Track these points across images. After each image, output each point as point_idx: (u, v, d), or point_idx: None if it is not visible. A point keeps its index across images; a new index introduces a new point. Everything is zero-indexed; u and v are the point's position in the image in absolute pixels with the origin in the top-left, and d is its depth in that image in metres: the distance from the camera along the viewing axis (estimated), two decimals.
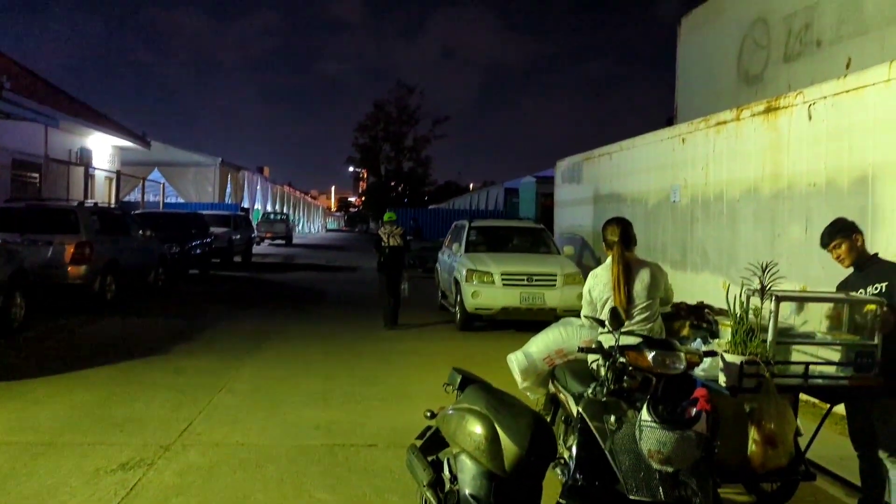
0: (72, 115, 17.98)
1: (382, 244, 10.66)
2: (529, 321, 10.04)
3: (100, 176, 20.95)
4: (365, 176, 72.92)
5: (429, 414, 3.51)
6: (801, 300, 3.99)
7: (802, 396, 4.10)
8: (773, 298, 3.49)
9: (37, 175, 16.84)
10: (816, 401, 4.73)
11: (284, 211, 47.05)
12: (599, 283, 4.22)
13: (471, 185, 73.90)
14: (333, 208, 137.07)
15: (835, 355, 3.63)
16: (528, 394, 4.75)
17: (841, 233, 3.96)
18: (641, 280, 4.14)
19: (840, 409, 4.10)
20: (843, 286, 4.08)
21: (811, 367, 3.56)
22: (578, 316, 4.73)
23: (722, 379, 3.41)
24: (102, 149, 21.21)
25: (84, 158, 19.49)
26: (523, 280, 10.21)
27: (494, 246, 11.89)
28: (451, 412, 3.26)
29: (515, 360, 4.66)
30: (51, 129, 16.13)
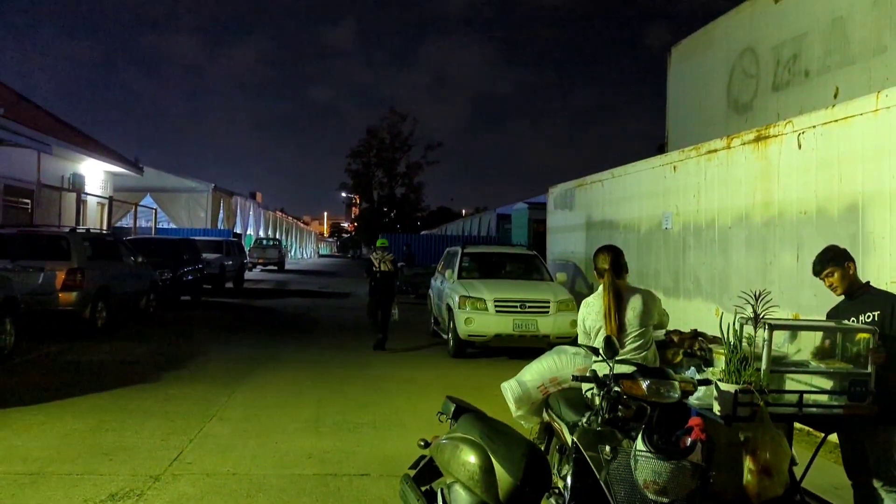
0: (65, 141, 17.99)
1: (374, 269, 11.10)
2: (523, 348, 10.04)
3: (92, 202, 20.93)
4: (358, 202, 73.17)
5: (422, 443, 3.49)
6: (794, 328, 4.01)
7: (797, 425, 4.09)
8: (767, 327, 3.50)
9: (29, 201, 16.81)
10: (811, 429, 4.72)
11: (277, 236, 47.05)
12: (592, 312, 4.22)
13: (463, 211, 74.25)
14: (326, 234, 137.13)
15: (828, 384, 3.63)
16: (523, 422, 4.72)
17: (833, 261, 3.99)
18: (633, 308, 4.14)
19: (835, 437, 4.09)
20: (834, 313, 4.10)
21: (805, 395, 3.56)
22: (572, 343, 4.73)
23: (716, 408, 3.40)
24: (95, 174, 21.22)
25: (76, 184, 19.49)
26: (516, 307, 10.20)
27: (487, 272, 11.90)
28: (444, 441, 3.24)
29: (509, 388, 4.63)
30: (44, 156, 16.14)
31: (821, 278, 4.06)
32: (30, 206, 16.83)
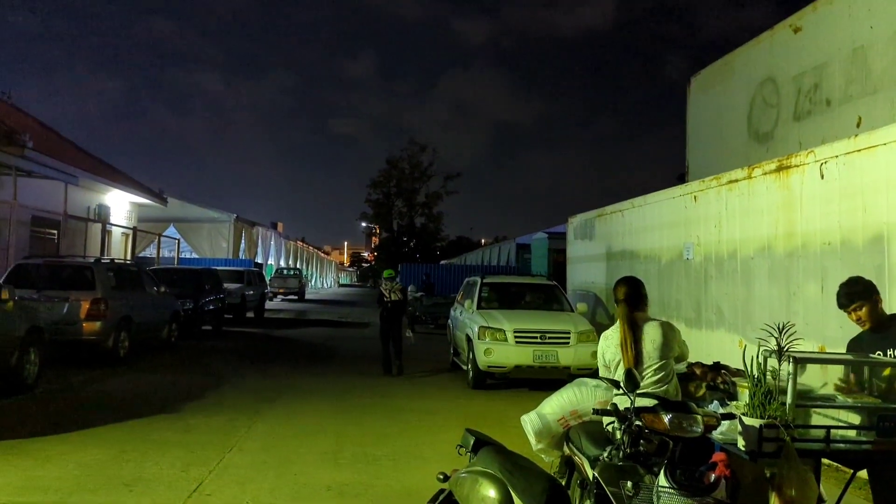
0: (91, 173, 18.34)
1: (385, 299, 11.83)
2: (543, 379, 9.95)
3: (117, 232, 21.25)
4: (378, 231, 73.55)
5: (441, 476, 3.46)
6: (819, 362, 3.93)
7: (825, 461, 4.00)
8: (791, 360, 3.44)
9: (55, 232, 17.09)
10: (839, 465, 4.61)
11: (297, 266, 47.32)
12: (611, 345, 4.18)
13: (482, 241, 74.22)
14: (346, 263, 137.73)
15: (857, 419, 3.54)
16: (543, 456, 4.66)
17: (861, 295, 3.93)
18: (652, 340, 4.09)
19: (864, 473, 3.99)
20: (856, 345, 4.02)
21: (833, 430, 3.48)
22: (592, 375, 4.68)
23: (741, 443, 3.34)
24: (120, 205, 21.58)
25: (102, 215, 19.83)
26: (536, 338, 10.14)
27: (507, 302, 11.86)
28: (464, 475, 3.21)
29: (529, 421, 4.59)
30: (70, 187, 16.44)
31: (847, 312, 3.99)
32: (56, 237, 17.12)
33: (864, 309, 3.90)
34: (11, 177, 14.27)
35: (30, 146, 14.78)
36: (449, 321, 13.69)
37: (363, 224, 74.14)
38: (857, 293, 3.94)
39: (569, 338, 10.15)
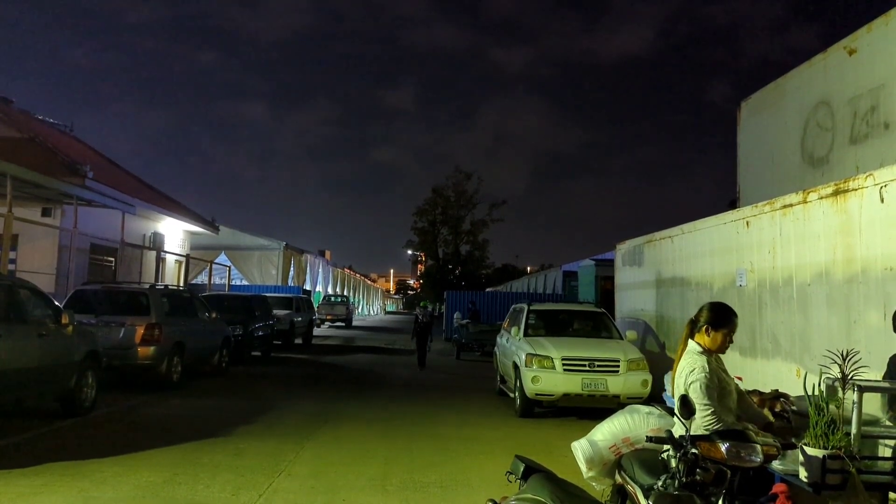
0: (146, 201, 18.91)
1: (417, 321, 17.87)
2: (593, 408, 9.78)
3: (170, 259, 21.80)
4: (423, 259, 73.82)
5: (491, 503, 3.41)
6: (887, 391, 3.78)
7: (892, 494, 3.82)
8: (856, 388, 3.32)
9: (112, 259, 17.63)
10: None
11: (345, 293, 47.76)
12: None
13: (528, 269, 73.83)
14: (392, 291, 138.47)
15: None
16: (594, 484, 4.57)
17: None
18: (680, 371, 3.94)
19: None
20: None
21: None
22: (643, 403, 4.58)
23: (803, 474, 3.22)
24: (174, 233, 22.16)
25: (157, 243, 20.39)
26: (585, 365, 9.98)
27: (554, 330, 11.73)
28: (514, 502, 3.16)
29: (580, 447, 4.50)
30: (127, 215, 16.97)
31: None
32: (113, 264, 17.65)
33: None
34: (73, 206, 14.82)
35: (90, 176, 15.35)
36: (495, 349, 13.61)
37: (409, 252, 74.53)
38: None
39: (618, 366, 9.97)
